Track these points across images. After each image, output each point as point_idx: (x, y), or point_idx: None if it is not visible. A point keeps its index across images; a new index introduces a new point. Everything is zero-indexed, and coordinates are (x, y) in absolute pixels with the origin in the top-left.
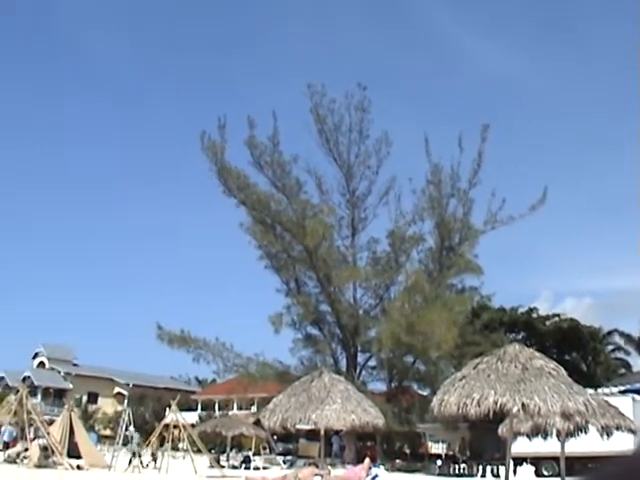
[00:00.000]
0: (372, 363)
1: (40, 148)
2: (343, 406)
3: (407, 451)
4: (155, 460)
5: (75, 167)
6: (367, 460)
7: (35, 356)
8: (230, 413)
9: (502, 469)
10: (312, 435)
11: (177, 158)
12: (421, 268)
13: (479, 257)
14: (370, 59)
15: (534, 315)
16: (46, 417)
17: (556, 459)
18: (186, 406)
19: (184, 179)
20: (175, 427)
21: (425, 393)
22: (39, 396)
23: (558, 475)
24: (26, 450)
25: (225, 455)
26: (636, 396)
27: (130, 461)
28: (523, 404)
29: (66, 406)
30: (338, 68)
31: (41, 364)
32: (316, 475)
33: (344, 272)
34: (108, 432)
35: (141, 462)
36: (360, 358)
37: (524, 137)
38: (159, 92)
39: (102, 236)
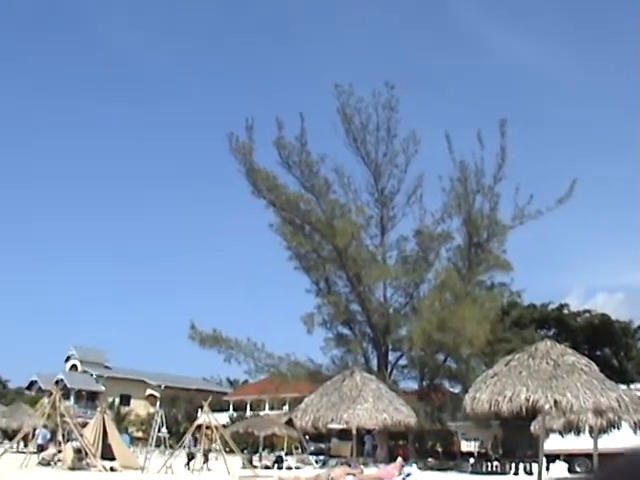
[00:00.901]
0: (403, 362)
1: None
2: (375, 405)
3: (439, 449)
4: (207, 460)
5: (105, 168)
6: (399, 459)
7: (67, 359)
8: (262, 413)
9: (535, 466)
10: (344, 434)
11: (208, 159)
12: (450, 266)
13: (508, 253)
14: (396, 56)
15: (565, 311)
16: (79, 419)
17: (589, 456)
18: (218, 407)
19: (215, 181)
20: (207, 428)
21: (457, 391)
22: (72, 399)
23: (591, 472)
24: (59, 452)
25: (257, 455)
26: None
27: (187, 463)
28: (555, 401)
29: (99, 408)
30: (365, 67)
31: (74, 367)
32: (348, 474)
33: (374, 271)
34: (140, 434)
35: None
36: (391, 357)
37: (554, 130)
38: (187, 92)
39: (134, 238)
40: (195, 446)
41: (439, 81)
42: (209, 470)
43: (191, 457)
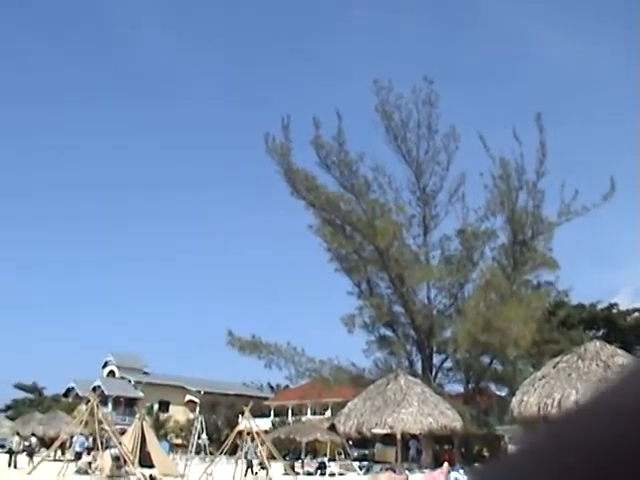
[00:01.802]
0: (448, 364)
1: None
2: (420, 409)
3: (486, 454)
4: (264, 468)
5: (128, 169)
6: (446, 464)
7: (105, 365)
8: (304, 419)
9: None
10: (388, 439)
11: (243, 161)
12: (495, 265)
13: (554, 251)
14: (433, 52)
15: (614, 311)
16: (117, 427)
17: None
18: (259, 412)
19: (251, 182)
20: (248, 434)
21: (503, 394)
22: (110, 405)
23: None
24: (95, 460)
25: (300, 461)
26: None
27: (247, 472)
28: None
29: (137, 415)
30: (400, 64)
31: (111, 373)
32: None
33: (417, 272)
34: (180, 441)
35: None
36: (436, 359)
37: (599, 124)
38: (218, 93)
39: (171, 242)
40: (255, 454)
41: (475, 77)
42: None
43: (250, 465)
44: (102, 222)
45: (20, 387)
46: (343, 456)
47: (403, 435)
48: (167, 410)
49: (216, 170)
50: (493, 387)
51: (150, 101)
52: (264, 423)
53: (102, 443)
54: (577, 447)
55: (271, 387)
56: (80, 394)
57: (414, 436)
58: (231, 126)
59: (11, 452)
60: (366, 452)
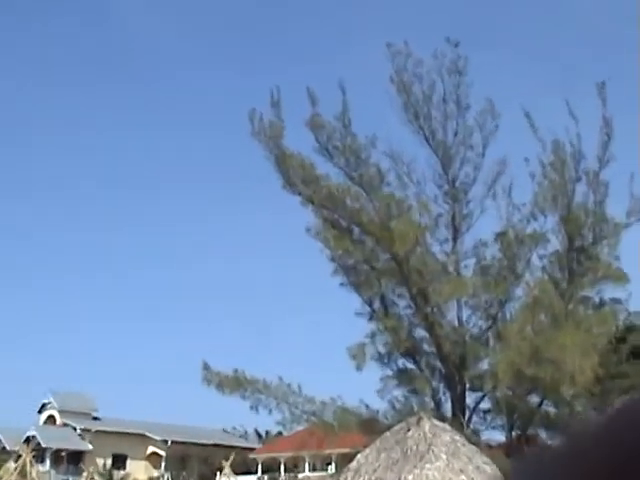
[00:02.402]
0: (486, 405)
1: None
2: (449, 464)
3: None
4: None
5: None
6: None
7: (42, 409)
8: (300, 476)
9: None
10: None
11: (219, 147)
12: (545, 277)
13: (623, 260)
14: (457, 8)
15: None
16: None
17: None
18: (244, 467)
19: (231, 174)
20: None
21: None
22: (48, 462)
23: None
24: None
25: None
26: None
27: None
28: None
29: (85, 473)
30: (421, 20)
31: (50, 419)
32: None
33: (445, 286)
34: None
35: None
36: (469, 399)
37: None
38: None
39: (126, 252)
40: None
41: (512, 39)
42: None
43: None
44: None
45: None
46: None
47: None
48: (124, 466)
49: (178, 159)
50: (544, 434)
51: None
52: None
53: None
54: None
55: (258, 435)
56: (8, 448)
57: None
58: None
59: None
60: None
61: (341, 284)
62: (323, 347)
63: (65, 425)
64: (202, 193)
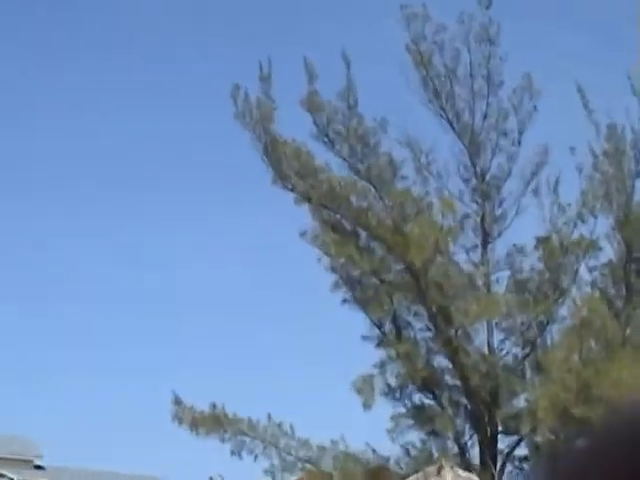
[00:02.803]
0: (522, 451)
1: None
2: None
3: None
4: None
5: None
6: None
7: None
8: None
9: None
10: None
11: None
12: (596, 294)
13: None
14: None
15: None
16: None
17: None
18: None
19: (211, 170)
20: None
21: None
22: None
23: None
24: None
25: None
26: None
27: None
28: None
29: None
30: None
31: None
32: None
33: (472, 304)
34: None
35: None
36: (502, 443)
37: None
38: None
39: (67, 257)
40: None
41: (554, 5)
42: None
43: None
44: None
45: None
46: None
47: None
48: None
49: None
50: None
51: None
52: None
53: None
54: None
55: None
56: None
57: None
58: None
59: None
60: None
61: (344, 301)
62: (321, 378)
63: (1, 476)
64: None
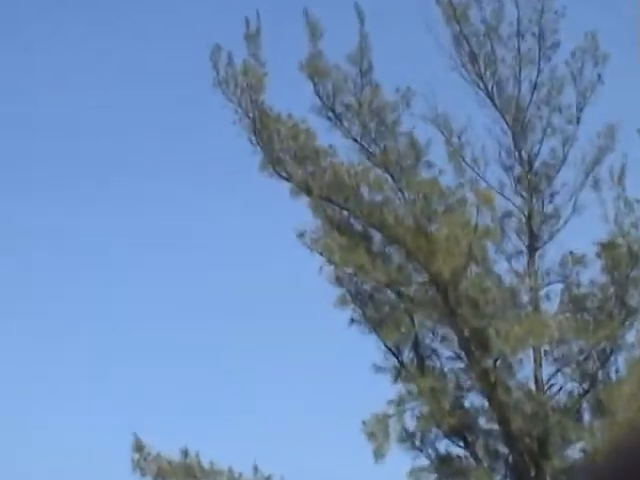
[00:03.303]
0: None
1: None
2: None
3: None
4: None
5: None
6: None
7: None
8: None
9: None
10: None
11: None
12: None
13: None
14: None
15: None
16: None
17: None
18: None
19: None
20: None
21: None
22: None
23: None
24: None
25: None
26: None
27: None
28: None
29: None
30: None
31: None
32: None
33: (515, 326)
34: None
35: None
36: None
37: None
38: None
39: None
40: None
41: None
42: None
43: None
44: None
45: None
46: None
47: None
48: None
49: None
50: None
51: None
52: None
53: None
54: None
55: None
56: None
57: None
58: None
59: None
60: None
61: (351, 320)
62: (320, 420)
63: None
64: None
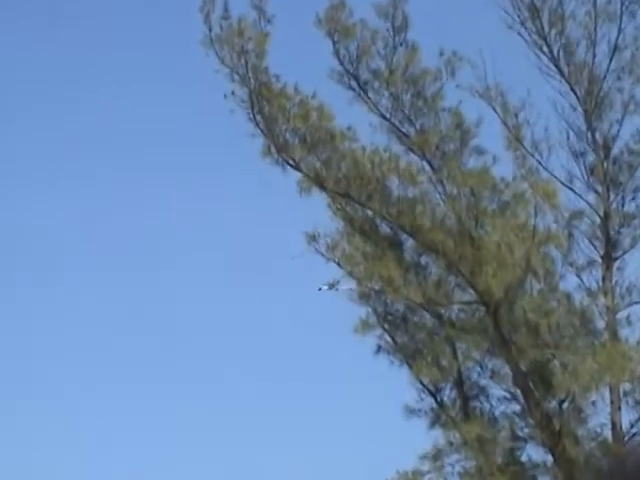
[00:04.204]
0: None
1: None
2: None
3: None
4: None
5: None
6: None
7: None
8: None
9: None
10: None
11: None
12: None
13: None
14: None
15: None
16: None
17: None
18: None
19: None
20: None
21: None
22: None
23: None
24: None
25: None
26: None
27: None
28: None
29: None
30: None
31: None
32: None
33: (587, 358)
34: None
35: None
36: None
37: None
38: None
39: None
40: None
41: None
42: None
43: None
44: None
45: None
46: None
47: None
48: None
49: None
50: None
51: None
52: None
53: None
54: None
55: None
56: None
57: None
58: None
59: None
60: None
61: (377, 349)
62: (337, 470)
63: None
64: None
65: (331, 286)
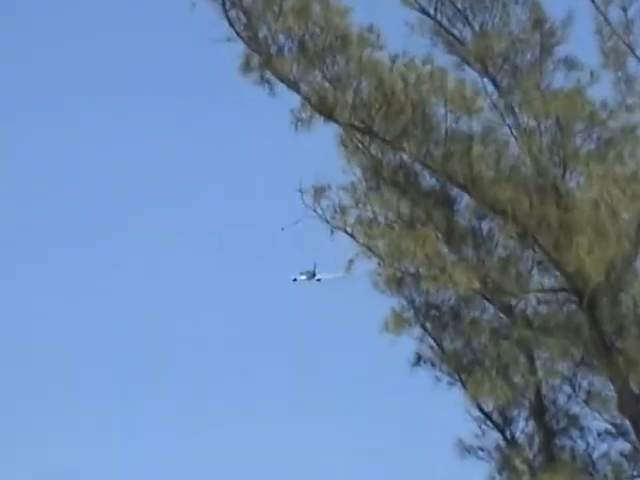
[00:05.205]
0: None
1: None
2: None
3: None
4: None
5: None
6: None
7: None
8: None
9: None
10: None
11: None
12: None
13: None
14: None
15: None
16: None
17: None
18: None
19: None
20: None
21: None
22: None
23: None
24: None
25: None
26: None
27: None
28: None
29: None
30: None
31: None
32: None
33: None
34: None
35: None
36: None
37: None
38: None
39: None
40: None
41: None
42: None
43: None
44: None
45: None
46: None
47: None
48: None
49: None
50: None
51: None
52: None
53: None
54: None
55: None
56: None
57: None
58: None
59: None
60: None
61: (418, 358)
62: None
63: None
64: None
65: (310, 275)
